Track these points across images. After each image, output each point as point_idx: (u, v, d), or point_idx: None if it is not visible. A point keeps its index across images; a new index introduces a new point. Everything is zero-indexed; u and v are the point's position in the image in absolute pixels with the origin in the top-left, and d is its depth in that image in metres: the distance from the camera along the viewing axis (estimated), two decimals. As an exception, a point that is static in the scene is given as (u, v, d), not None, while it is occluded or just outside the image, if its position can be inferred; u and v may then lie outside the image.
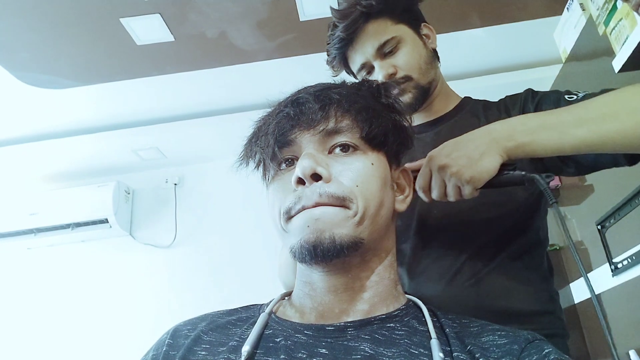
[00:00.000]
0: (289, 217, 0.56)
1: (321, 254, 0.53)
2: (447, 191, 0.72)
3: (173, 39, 1.94)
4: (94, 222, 2.70)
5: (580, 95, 0.82)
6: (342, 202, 0.54)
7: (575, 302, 1.94)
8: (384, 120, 0.61)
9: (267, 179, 0.62)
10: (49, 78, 2.13)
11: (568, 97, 0.83)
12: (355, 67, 1.01)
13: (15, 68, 2.04)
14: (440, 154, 0.71)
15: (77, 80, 2.16)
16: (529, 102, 0.90)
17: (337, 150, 0.58)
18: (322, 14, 1.89)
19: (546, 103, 0.87)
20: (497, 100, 0.99)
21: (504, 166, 0.71)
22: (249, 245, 2.63)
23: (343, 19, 0.95)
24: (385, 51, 0.96)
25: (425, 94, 0.98)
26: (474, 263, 0.87)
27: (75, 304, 2.64)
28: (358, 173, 0.57)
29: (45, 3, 1.74)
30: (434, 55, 1.03)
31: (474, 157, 0.68)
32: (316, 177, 0.55)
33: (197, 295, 2.51)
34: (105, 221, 2.69)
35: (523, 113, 0.89)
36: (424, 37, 1.02)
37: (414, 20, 1.01)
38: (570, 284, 1.98)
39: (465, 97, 1.05)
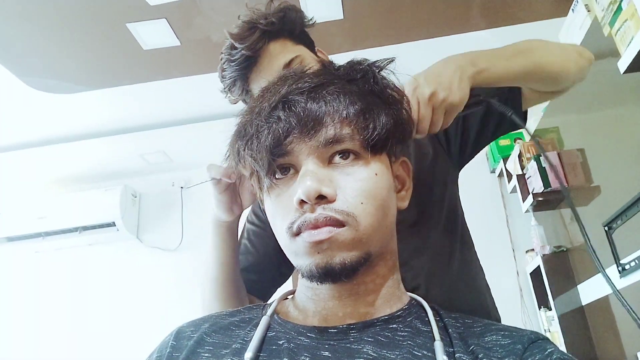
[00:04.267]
0: (292, 234, 0.54)
1: (332, 278, 0.53)
2: (434, 119, 0.71)
3: (179, 44, 1.95)
4: (101, 226, 2.73)
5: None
6: (346, 220, 0.52)
7: (583, 304, 1.93)
8: (384, 119, 0.57)
9: (261, 189, 0.59)
10: (57, 83, 2.15)
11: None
12: (258, 88, 0.95)
13: (23, 73, 2.07)
14: (427, 81, 0.70)
15: (84, 85, 2.18)
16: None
17: (337, 158, 0.55)
18: (326, 18, 1.90)
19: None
20: None
21: None
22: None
23: (244, 40, 0.91)
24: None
25: None
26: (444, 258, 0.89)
27: (82, 306, 2.65)
28: (363, 188, 0.54)
29: (52, 9, 1.76)
30: None
31: (455, 81, 0.71)
32: (320, 197, 0.52)
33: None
34: (113, 224, 2.71)
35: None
36: (320, 59, 1.01)
37: (310, 43, 1.01)
38: (578, 286, 1.97)
39: None
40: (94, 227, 2.74)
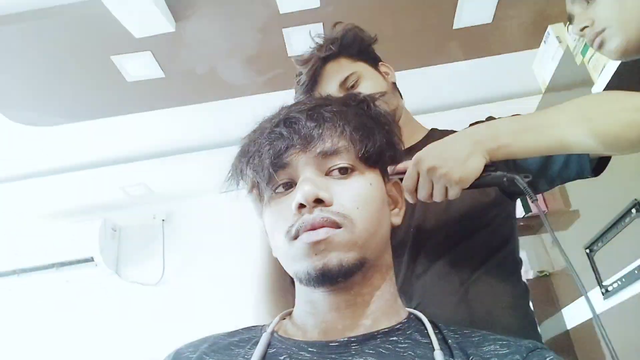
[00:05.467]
0: (290, 237, 0.56)
1: (329, 279, 0.54)
2: (434, 192, 0.75)
3: (163, 75, 1.97)
4: (78, 261, 2.65)
5: None
6: (343, 223, 0.54)
7: (568, 328, 1.94)
8: (377, 137, 0.61)
9: (262, 201, 0.62)
10: (37, 115, 2.13)
11: None
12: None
13: (3, 106, 2.04)
14: (428, 156, 0.74)
15: (66, 117, 2.16)
16: None
17: (335, 172, 0.58)
18: (309, 50, 1.95)
19: None
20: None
21: (485, 167, 0.74)
22: (237, 281, 2.59)
23: (304, 65, 1.04)
24: (348, 86, 1.02)
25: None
26: (456, 277, 0.88)
27: (61, 345, 2.55)
28: (358, 195, 0.57)
29: (36, 41, 1.76)
30: (395, 88, 1.11)
31: (460, 158, 0.72)
32: (318, 201, 0.55)
33: (186, 332, 2.44)
34: (91, 260, 2.64)
35: None
36: (382, 73, 1.09)
37: (372, 59, 1.08)
38: (562, 310, 1.99)
39: (432, 128, 1.10)
40: (71, 263, 2.65)
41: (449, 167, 0.71)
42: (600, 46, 0.91)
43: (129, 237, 2.86)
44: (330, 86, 1.02)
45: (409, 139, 1.05)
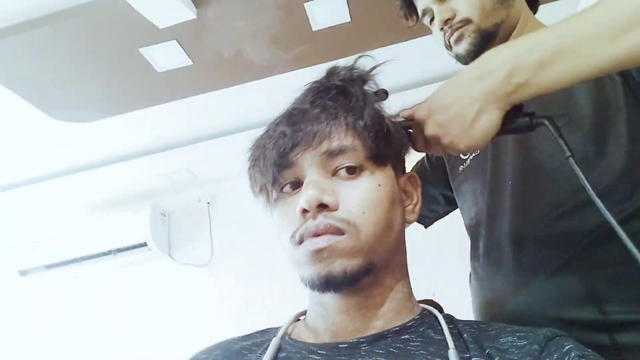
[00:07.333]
0: (295, 242, 0.55)
1: (333, 286, 0.53)
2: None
3: (191, 63, 1.99)
4: (134, 247, 2.78)
5: None
6: (346, 229, 0.53)
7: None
8: (389, 131, 0.58)
9: (269, 202, 0.61)
10: (79, 112, 2.21)
11: None
12: (419, 14, 0.98)
13: (47, 107, 2.13)
14: (430, 120, 0.61)
15: (105, 112, 2.23)
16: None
17: (342, 172, 0.56)
18: (333, 22, 1.90)
19: None
20: None
21: (508, 112, 0.59)
22: (285, 256, 2.64)
23: None
24: None
25: (487, 38, 0.86)
26: (553, 252, 0.74)
27: (120, 327, 2.71)
28: (365, 198, 0.55)
29: (69, 43, 1.81)
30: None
31: (467, 119, 0.57)
32: (322, 206, 0.53)
33: (238, 310, 2.53)
34: (145, 244, 2.77)
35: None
36: None
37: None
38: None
39: None
40: (127, 249, 2.79)
41: (453, 136, 0.58)
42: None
43: (178, 221, 2.97)
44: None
45: None
